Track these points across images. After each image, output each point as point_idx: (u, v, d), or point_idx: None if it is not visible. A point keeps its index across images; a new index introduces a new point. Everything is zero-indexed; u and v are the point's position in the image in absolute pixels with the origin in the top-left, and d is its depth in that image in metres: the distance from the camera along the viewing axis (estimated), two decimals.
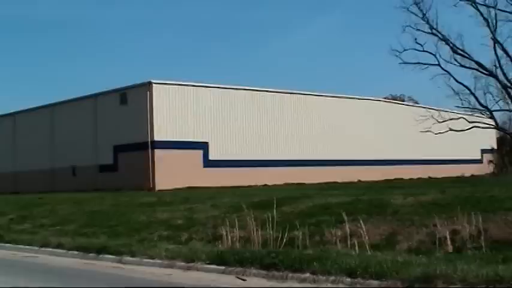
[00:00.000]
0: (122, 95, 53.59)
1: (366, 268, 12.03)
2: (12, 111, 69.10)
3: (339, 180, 49.84)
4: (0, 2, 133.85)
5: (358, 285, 11.76)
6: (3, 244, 22.28)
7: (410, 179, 52.41)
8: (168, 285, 13.43)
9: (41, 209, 31.19)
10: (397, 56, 48.28)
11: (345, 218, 15.34)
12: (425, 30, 47.09)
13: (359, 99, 66.94)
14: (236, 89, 56.79)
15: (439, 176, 57.42)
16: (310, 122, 60.25)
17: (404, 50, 48.16)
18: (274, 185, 46.56)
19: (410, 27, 47.28)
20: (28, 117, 65.82)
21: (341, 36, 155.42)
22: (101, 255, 17.60)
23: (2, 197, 46.44)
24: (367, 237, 14.57)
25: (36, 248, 20.45)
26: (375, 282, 11.64)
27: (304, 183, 46.60)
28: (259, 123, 56.70)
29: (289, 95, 60.36)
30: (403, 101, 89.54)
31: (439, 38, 47.05)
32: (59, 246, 19.75)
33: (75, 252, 18.66)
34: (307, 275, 12.58)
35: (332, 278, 12.19)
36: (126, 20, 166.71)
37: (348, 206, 19.35)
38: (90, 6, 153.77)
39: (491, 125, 56.02)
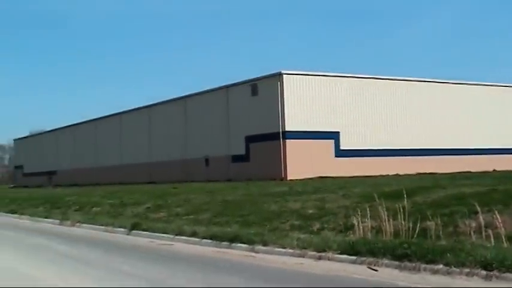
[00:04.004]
0: (253, 86, 54.21)
1: (503, 261, 11.65)
2: (148, 103, 71.35)
3: (473, 170, 48.42)
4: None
5: (493, 279, 11.42)
6: (140, 232, 23.07)
7: None
8: (299, 274, 13.51)
9: (175, 199, 32.02)
10: None
11: (478, 208, 14.91)
12: None
13: (491, 85, 64.79)
14: (367, 78, 56.39)
15: None
16: (443, 110, 58.91)
17: None
18: (406, 175, 45.84)
19: None
20: (163, 109, 67.75)
21: (469, 22, 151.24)
22: (233, 244, 17.87)
23: (138, 187, 48.07)
24: (503, 229, 14.10)
25: (172, 236, 21.00)
26: None
27: (436, 173, 45.62)
28: (390, 112, 56.05)
29: (420, 83, 59.36)
30: None
31: None
32: (193, 234, 20.19)
33: (209, 241, 19.01)
34: (441, 266, 12.34)
35: (466, 270, 11.90)
36: (257, 12, 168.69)
37: (482, 196, 18.83)
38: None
39: None
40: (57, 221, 31.21)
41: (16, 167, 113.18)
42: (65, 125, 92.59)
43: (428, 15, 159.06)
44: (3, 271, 15.43)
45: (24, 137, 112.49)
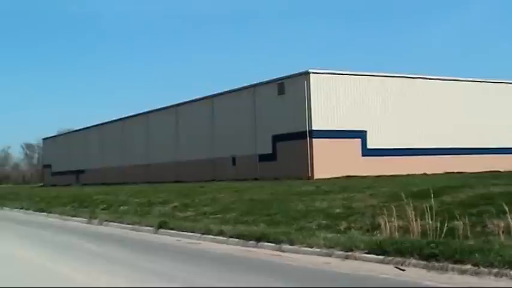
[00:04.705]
0: (280, 85, 54.22)
1: None
2: (175, 103, 71.57)
3: (501, 169, 48.00)
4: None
5: None
6: (168, 230, 23.18)
7: None
8: (326, 273, 13.50)
9: (202, 197, 32.14)
10: None
11: (507, 208, 14.78)
12: None
13: None
14: (394, 76, 56.16)
15: None
16: (472, 109, 58.43)
17: None
18: (433, 174, 45.61)
19: None
20: (190, 109, 67.92)
21: (500, 19, 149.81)
22: (260, 243, 17.90)
23: (165, 186, 48.28)
24: None
25: (198, 235, 21.08)
26: None
27: (464, 172, 45.34)
28: (417, 111, 55.73)
29: (447, 81, 58.97)
30: None
31: None
32: (220, 233, 20.25)
33: (236, 240, 19.07)
34: (469, 266, 12.25)
35: (495, 270, 11.80)
36: (282, 11, 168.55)
37: (511, 196, 18.67)
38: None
39: None
40: (85, 220, 31.50)
41: (45, 166, 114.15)
42: (93, 124, 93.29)
43: (458, 12, 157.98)
44: (32, 269, 15.61)
45: (53, 136, 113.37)
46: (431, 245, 13.47)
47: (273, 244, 17.41)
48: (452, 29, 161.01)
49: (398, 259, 13.62)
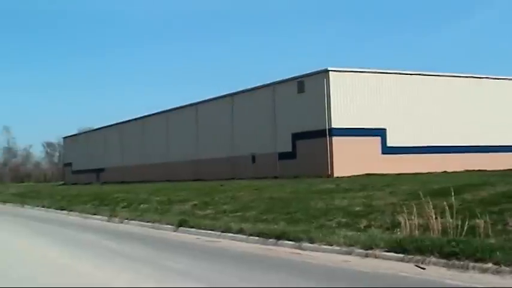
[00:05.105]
0: (300, 83, 54.10)
1: None
2: (194, 101, 71.62)
3: None
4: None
5: None
6: (188, 228, 23.26)
7: None
8: (346, 271, 13.48)
9: (222, 196, 32.17)
10: None
11: None
12: None
13: None
14: (413, 74, 55.83)
15: None
16: (490, 106, 57.94)
17: None
18: (454, 172, 45.35)
19: None
20: (209, 107, 67.94)
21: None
22: (280, 241, 17.92)
23: (185, 184, 48.36)
24: None
25: (218, 233, 21.17)
26: None
27: (485, 170, 45.04)
28: (437, 108, 55.36)
29: (468, 79, 58.50)
30: None
31: None
32: (240, 231, 20.30)
33: (255, 238, 19.11)
34: (490, 265, 12.20)
35: None
36: (302, 9, 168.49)
37: None
38: None
39: None
40: (106, 218, 31.70)
41: (65, 165, 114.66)
42: (113, 123, 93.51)
43: (476, 12, 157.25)
44: (55, 265, 15.73)
45: (73, 135, 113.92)
46: (452, 243, 13.42)
47: (292, 242, 17.44)
48: (461, 31, 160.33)
49: (419, 257, 13.59)
